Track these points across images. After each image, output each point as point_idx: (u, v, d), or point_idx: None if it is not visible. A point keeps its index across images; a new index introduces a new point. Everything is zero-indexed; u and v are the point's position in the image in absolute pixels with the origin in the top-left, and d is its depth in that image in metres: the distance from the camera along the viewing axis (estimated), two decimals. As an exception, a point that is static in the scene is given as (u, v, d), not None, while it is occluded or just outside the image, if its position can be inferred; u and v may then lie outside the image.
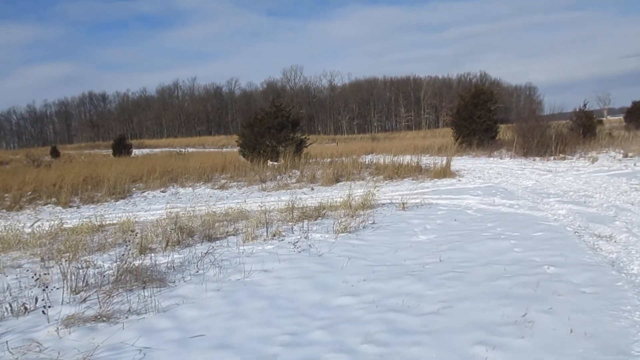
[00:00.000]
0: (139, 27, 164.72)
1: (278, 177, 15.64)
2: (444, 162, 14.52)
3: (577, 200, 8.23)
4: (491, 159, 18.19)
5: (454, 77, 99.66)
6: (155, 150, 52.96)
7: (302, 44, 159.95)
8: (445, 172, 13.58)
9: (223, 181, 15.27)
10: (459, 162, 17.82)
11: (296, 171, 15.51)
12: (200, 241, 6.55)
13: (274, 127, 19.89)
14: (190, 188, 14.95)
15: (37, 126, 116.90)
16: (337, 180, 13.94)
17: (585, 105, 21.02)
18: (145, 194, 14.23)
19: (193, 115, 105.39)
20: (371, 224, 7.13)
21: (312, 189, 12.96)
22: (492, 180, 12.36)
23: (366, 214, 8.00)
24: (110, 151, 42.45)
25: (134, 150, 44.55)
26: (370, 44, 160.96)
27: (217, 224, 7.66)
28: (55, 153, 49.35)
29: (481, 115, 23.00)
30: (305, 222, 7.60)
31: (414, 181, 13.26)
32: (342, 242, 5.95)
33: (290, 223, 7.70)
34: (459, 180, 12.57)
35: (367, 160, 18.10)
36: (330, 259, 5.20)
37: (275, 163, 18.55)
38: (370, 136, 71.31)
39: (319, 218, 7.94)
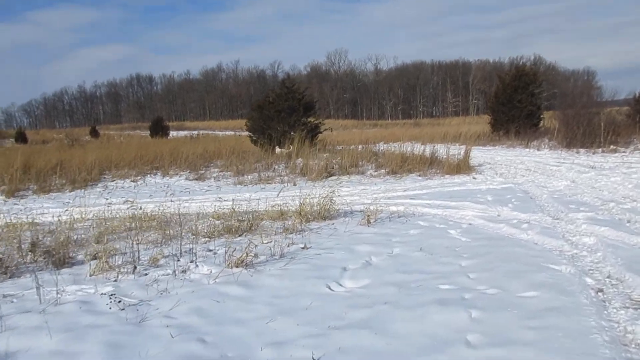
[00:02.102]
0: (189, 10, 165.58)
1: (275, 166, 13.58)
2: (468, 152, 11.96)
3: (619, 218, 5.68)
4: (527, 150, 15.39)
5: (505, 60, 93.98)
6: (193, 132, 52.22)
7: (348, 26, 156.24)
8: (460, 167, 11.08)
9: (202, 171, 13.31)
10: (488, 154, 15.18)
11: (300, 160, 13.29)
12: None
13: (284, 110, 17.78)
14: (168, 177, 13.10)
15: (88, 106, 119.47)
16: (330, 175, 11.69)
17: (647, 88, 17.74)
18: (114, 182, 12.46)
19: (235, 98, 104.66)
20: (298, 249, 4.91)
21: (295, 185, 10.77)
22: (516, 178, 9.80)
23: (309, 231, 5.78)
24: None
25: (172, 132, 43.86)
26: (420, 26, 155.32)
27: (81, 239, 5.62)
28: (94, 133, 49.38)
29: (522, 100, 20.08)
30: (221, 239, 5.49)
31: (419, 177, 10.84)
32: (211, 290, 3.76)
33: (205, 240, 5.59)
34: (474, 179, 10.06)
35: (383, 149, 15.73)
36: (144, 334, 3.04)
37: (284, 150, 16.42)
38: (414, 122, 68.21)
39: (246, 233, 5.78)
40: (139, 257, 4.64)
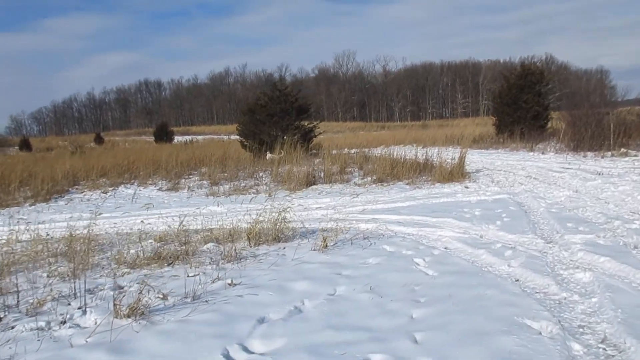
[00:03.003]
0: (199, 15, 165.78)
1: (260, 174, 12.69)
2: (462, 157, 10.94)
3: (623, 242, 4.66)
4: (531, 153, 14.32)
5: (516, 60, 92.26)
6: (199, 137, 51.66)
7: (356, 28, 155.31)
8: (453, 174, 10.07)
9: (177, 181, 12.44)
10: (488, 157, 14.15)
11: (285, 168, 12.36)
12: None
13: (276, 114, 16.92)
14: (142, 187, 12.24)
15: (97, 113, 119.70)
16: (312, 183, 10.75)
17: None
18: (82, 194, 11.62)
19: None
20: (222, 286, 3.98)
21: (270, 196, 9.83)
22: (513, 187, 8.78)
23: (252, 258, 4.85)
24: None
25: (178, 137, 43.26)
26: (429, 27, 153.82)
27: None
28: (99, 140, 49.04)
29: (528, 100, 18.99)
30: (144, 270, 4.58)
31: (407, 186, 9.86)
32: None
33: (126, 271, 4.68)
34: (466, 188, 9.06)
35: (379, 153, 14.76)
36: None
37: (275, 156, 15.51)
38: (422, 124, 67.07)
39: (177, 262, 4.85)
40: (17, 300, 3.73)
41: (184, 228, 6.38)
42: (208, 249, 5.35)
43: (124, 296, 3.67)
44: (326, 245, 5.07)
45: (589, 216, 5.99)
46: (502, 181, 9.58)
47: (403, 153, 12.47)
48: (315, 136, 17.97)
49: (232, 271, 4.42)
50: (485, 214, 6.46)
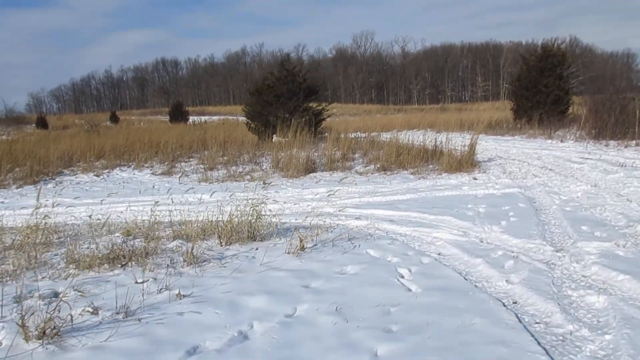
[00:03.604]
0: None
1: (262, 159, 12.13)
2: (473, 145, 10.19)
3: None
4: (549, 141, 13.46)
5: (539, 42, 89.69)
6: (214, 117, 51.26)
7: (375, 8, 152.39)
8: (462, 163, 9.35)
9: (171, 166, 11.92)
10: (503, 145, 13.36)
11: (298, 150, 11.71)
12: None
13: (283, 95, 16.24)
14: (137, 171, 11.77)
15: (114, 91, 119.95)
16: (311, 170, 10.13)
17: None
18: (74, 177, 11.18)
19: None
20: (168, 298, 3.40)
21: (265, 183, 9.22)
22: (526, 179, 8.06)
23: (216, 261, 4.27)
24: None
25: (193, 117, 42.83)
26: (450, 7, 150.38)
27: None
28: (114, 118, 48.92)
29: (548, 84, 17.95)
30: (90, 273, 4.04)
31: (411, 176, 9.18)
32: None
33: (73, 272, 4.14)
34: (474, 179, 8.35)
35: (388, 138, 14.04)
36: None
37: (282, 139, 14.90)
38: (440, 107, 65.68)
39: (132, 263, 4.30)
40: None
41: (158, 220, 5.86)
42: (173, 247, 4.78)
43: (55, 308, 3.11)
44: (303, 247, 4.46)
45: (608, 217, 5.28)
46: (514, 172, 8.84)
47: (412, 138, 11.74)
48: (324, 119, 17.24)
49: (188, 278, 3.84)
50: (491, 212, 5.78)
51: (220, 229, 4.93)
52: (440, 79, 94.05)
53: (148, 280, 3.79)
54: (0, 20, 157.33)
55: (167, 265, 4.20)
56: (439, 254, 4.33)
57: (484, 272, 3.72)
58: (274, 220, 5.58)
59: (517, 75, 19.79)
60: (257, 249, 4.62)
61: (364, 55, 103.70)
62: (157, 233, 5.26)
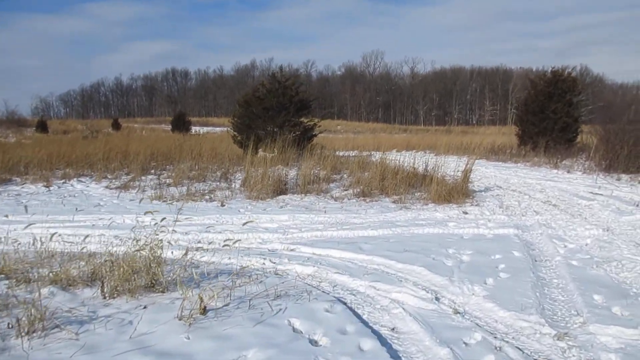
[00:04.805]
0: (236, 8, 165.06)
1: (235, 175, 10.93)
2: (467, 172, 8.93)
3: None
4: (554, 171, 12.16)
5: (548, 70, 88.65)
6: (217, 129, 50.44)
7: (388, 29, 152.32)
8: (452, 193, 8.08)
9: (138, 176, 10.71)
10: (504, 173, 12.08)
11: (284, 167, 10.59)
12: None
13: (272, 107, 15.10)
14: (95, 183, 10.58)
15: (123, 99, 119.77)
16: (282, 192, 8.89)
17: None
18: (20, 187, 9.98)
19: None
20: None
21: (223, 205, 8.00)
22: (526, 216, 6.78)
23: (49, 338, 3.02)
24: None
25: (195, 128, 42.06)
26: (466, 32, 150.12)
27: None
28: (116, 125, 48.17)
29: (557, 110, 16.68)
30: None
31: (393, 205, 7.92)
32: None
33: None
34: (464, 213, 7.07)
35: (376, 158, 12.80)
36: None
37: (268, 154, 13.69)
38: (446, 129, 64.53)
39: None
40: None
41: (59, 250, 4.66)
42: (37, 298, 3.52)
43: None
44: (204, 310, 3.20)
45: (628, 280, 3.99)
46: (512, 207, 7.56)
47: (405, 160, 10.49)
48: (316, 134, 16.06)
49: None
50: (476, 263, 4.51)
51: (104, 272, 3.67)
52: (448, 101, 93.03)
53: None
54: (17, 25, 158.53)
55: (9, 327, 2.95)
56: (391, 330, 3.06)
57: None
58: (203, 259, 4.36)
59: (524, 99, 18.55)
60: (144, 307, 3.36)
61: (373, 74, 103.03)
62: (36, 273, 4.02)
